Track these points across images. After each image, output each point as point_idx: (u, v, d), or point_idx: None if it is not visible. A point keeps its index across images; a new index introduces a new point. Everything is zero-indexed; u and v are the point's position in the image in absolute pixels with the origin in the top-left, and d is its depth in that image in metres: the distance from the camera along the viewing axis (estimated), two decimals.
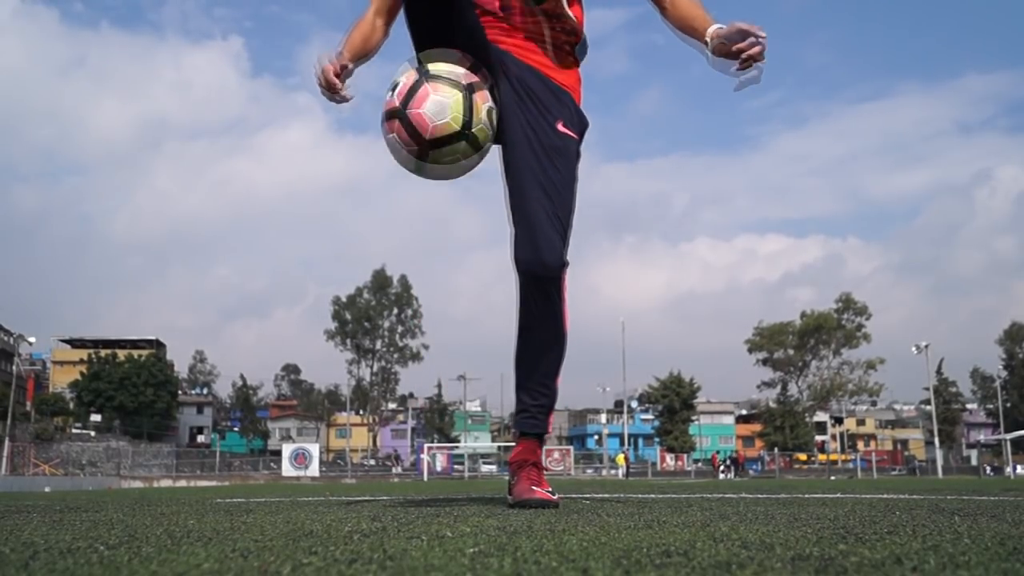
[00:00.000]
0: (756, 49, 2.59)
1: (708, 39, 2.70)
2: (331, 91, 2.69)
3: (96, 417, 57.10)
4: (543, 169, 2.70)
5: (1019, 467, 45.03)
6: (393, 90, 2.53)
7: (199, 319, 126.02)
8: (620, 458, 47.83)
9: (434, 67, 2.52)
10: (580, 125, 2.86)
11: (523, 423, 2.84)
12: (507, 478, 2.94)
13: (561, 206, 2.71)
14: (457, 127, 2.46)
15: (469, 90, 2.49)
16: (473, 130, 2.48)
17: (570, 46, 2.91)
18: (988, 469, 47.04)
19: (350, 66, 2.72)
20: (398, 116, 2.46)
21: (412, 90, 2.47)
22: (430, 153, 2.47)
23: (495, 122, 2.59)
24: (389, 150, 2.53)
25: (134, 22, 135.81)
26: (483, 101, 2.52)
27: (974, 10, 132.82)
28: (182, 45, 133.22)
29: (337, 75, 2.68)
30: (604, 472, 47.97)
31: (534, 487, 2.69)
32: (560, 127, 2.77)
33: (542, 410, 2.82)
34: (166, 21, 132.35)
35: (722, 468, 47.87)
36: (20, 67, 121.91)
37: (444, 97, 2.45)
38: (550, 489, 2.75)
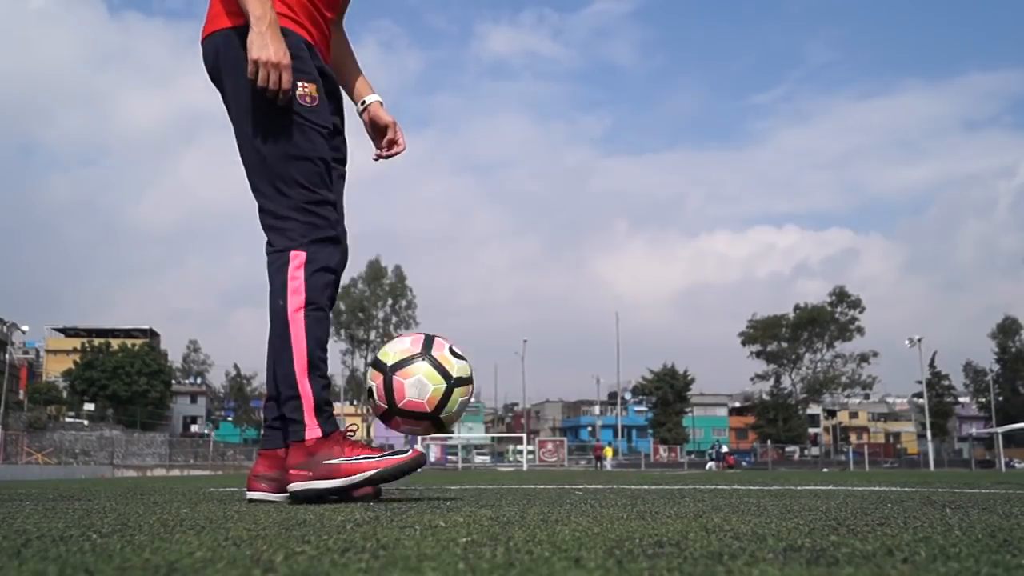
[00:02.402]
0: (393, 152, 2.92)
1: (361, 105, 2.95)
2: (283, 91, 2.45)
3: (89, 406, 56.99)
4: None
5: (1014, 461, 45.14)
6: (372, 396, 2.66)
7: (194, 309, 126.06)
8: (608, 450, 47.79)
9: (394, 357, 2.65)
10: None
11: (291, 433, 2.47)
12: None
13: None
14: (429, 410, 2.62)
15: (451, 383, 2.63)
16: (441, 416, 2.64)
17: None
18: (975, 465, 47.17)
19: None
20: (397, 413, 2.61)
21: (387, 387, 2.61)
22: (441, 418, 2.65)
23: (463, 409, 2.73)
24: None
25: (178, 15, 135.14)
26: (461, 395, 2.66)
27: (978, 8, 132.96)
28: None
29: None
30: (597, 464, 48.04)
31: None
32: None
33: (298, 412, 2.45)
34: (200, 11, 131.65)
35: (709, 457, 48.10)
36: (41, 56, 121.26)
37: (423, 379, 2.61)
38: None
